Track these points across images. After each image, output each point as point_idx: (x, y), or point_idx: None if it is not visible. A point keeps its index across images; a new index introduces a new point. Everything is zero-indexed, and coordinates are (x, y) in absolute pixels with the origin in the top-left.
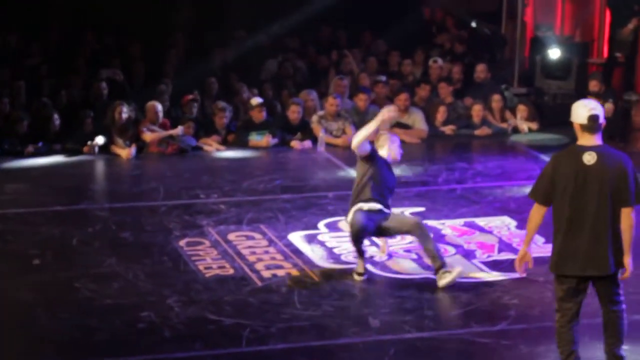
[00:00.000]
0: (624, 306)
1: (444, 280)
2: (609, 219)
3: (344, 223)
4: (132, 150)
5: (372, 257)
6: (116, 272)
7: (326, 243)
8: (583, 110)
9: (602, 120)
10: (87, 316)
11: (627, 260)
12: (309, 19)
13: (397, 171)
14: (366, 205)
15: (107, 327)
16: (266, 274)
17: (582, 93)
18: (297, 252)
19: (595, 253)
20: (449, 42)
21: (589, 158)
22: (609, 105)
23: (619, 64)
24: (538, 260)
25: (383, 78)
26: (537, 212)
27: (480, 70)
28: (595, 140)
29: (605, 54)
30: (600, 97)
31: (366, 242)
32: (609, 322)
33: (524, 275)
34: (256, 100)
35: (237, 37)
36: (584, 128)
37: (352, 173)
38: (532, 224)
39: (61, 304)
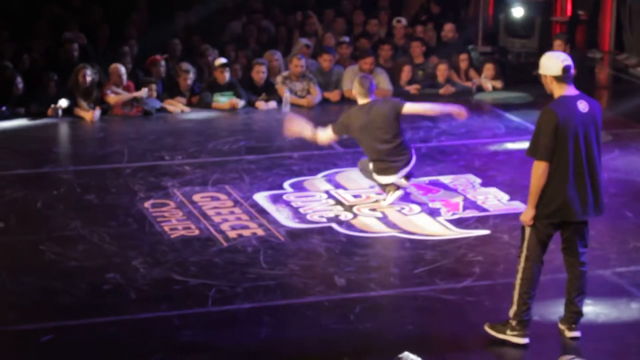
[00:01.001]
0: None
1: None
2: (599, 163)
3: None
4: (96, 112)
5: (337, 216)
6: (81, 235)
7: (291, 203)
8: (556, 62)
9: (573, 70)
10: (52, 279)
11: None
12: None
13: None
14: None
15: (72, 290)
16: (232, 234)
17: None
18: (263, 212)
19: (595, 197)
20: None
21: (582, 106)
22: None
23: (582, 22)
24: (503, 217)
25: (346, 39)
26: (544, 170)
27: (448, 30)
28: (574, 89)
29: (569, 12)
30: None
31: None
32: (577, 277)
33: None
34: (220, 61)
35: None
36: (560, 79)
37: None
38: (540, 182)
39: (26, 267)
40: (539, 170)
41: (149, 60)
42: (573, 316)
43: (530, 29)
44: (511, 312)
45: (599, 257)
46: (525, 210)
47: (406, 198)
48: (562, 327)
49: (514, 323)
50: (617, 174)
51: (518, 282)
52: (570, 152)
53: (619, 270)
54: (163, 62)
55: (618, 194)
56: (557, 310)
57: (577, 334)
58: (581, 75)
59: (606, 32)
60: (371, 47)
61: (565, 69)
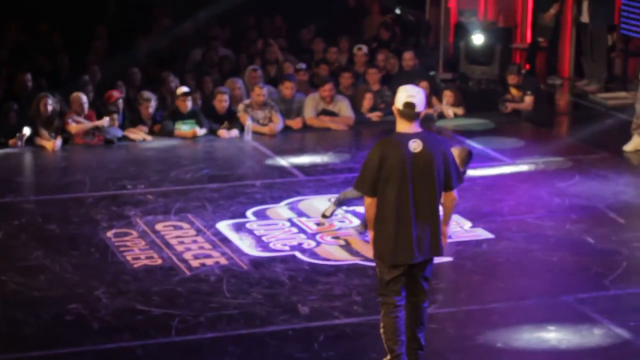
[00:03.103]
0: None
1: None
2: (435, 205)
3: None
4: (58, 142)
5: (300, 244)
6: (43, 265)
7: (254, 231)
8: (402, 95)
9: (419, 109)
10: (14, 309)
11: (445, 229)
12: (235, 7)
13: (325, 158)
14: None
15: (34, 321)
16: (194, 263)
17: (505, 77)
18: (226, 240)
19: (425, 240)
20: (374, 29)
21: (415, 145)
22: (529, 97)
23: (542, 48)
24: (465, 244)
25: (303, 65)
26: (371, 203)
27: (409, 58)
28: (415, 127)
29: (529, 39)
30: (520, 88)
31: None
32: (416, 313)
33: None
34: (182, 90)
35: (162, 25)
36: (401, 114)
37: (279, 161)
38: (370, 215)
39: None
40: (366, 202)
41: (106, 95)
42: (415, 352)
43: (490, 56)
44: None
45: (561, 283)
46: None
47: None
48: None
49: None
50: (578, 200)
51: (385, 328)
52: (392, 192)
53: (581, 297)
54: (120, 100)
55: (579, 220)
56: (519, 337)
57: None
58: (541, 102)
59: (566, 59)
60: (332, 75)
61: (407, 105)
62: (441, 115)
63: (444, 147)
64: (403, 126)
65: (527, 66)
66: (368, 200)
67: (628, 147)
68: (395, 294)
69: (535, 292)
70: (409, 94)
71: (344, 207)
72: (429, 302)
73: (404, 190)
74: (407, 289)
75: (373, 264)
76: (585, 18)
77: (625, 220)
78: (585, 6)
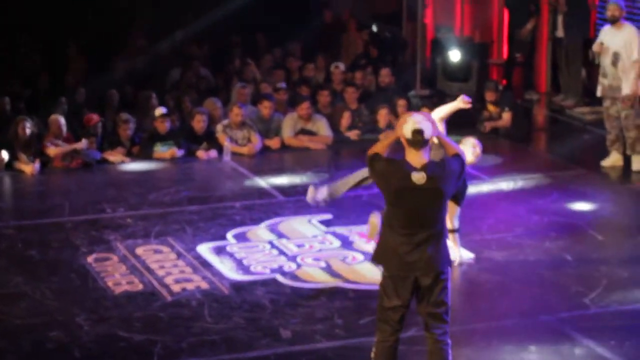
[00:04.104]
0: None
1: None
2: (438, 227)
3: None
4: (36, 165)
5: (281, 266)
6: (23, 292)
7: (235, 254)
8: (409, 124)
9: (428, 135)
10: None
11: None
12: (211, 26)
13: (304, 178)
14: None
15: (14, 349)
16: (176, 287)
17: (483, 94)
18: (206, 264)
19: (423, 257)
20: (351, 46)
21: (419, 177)
22: (507, 114)
23: (519, 64)
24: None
25: (282, 85)
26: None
27: (385, 75)
28: (422, 156)
29: (505, 54)
30: (498, 105)
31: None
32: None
33: None
34: (160, 111)
35: (138, 45)
36: (410, 143)
37: (259, 181)
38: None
39: None
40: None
41: (85, 118)
42: None
43: (467, 72)
44: None
45: (541, 303)
46: None
47: (349, 246)
48: None
49: None
50: (556, 217)
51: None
52: (400, 210)
53: (562, 316)
54: (100, 124)
55: (558, 238)
56: (501, 358)
57: None
58: (519, 117)
59: (542, 74)
60: (310, 93)
61: (415, 132)
62: None
63: (450, 169)
64: (411, 155)
65: (504, 81)
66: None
67: (606, 162)
68: (393, 323)
69: (516, 311)
70: (416, 120)
71: (324, 228)
72: (448, 337)
73: (406, 215)
74: (422, 318)
75: (354, 286)
76: (560, 33)
77: (605, 238)
78: (560, 21)
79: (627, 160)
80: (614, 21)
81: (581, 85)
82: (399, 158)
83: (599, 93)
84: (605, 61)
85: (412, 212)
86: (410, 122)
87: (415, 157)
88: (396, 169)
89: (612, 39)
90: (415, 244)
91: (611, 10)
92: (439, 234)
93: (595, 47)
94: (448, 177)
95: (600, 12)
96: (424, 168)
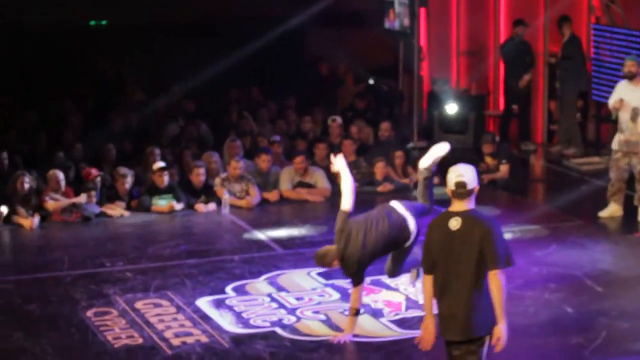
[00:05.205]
0: None
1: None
2: (471, 283)
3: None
4: (35, 219)
5: (280, 320)
6: (23, 347)
7: (234, 307)
8: (451, 176)
9: (471, 186)
10: None
11: (500, 326)
12: (209, 80)
13: (302, 231)
14: None
15: None
16: (175, 341)
17: (480, 146)
18: (206, 317)
19: (454, 316)
20: (349, 99)
21: (455, 224)
22: (504, 166)
23: (515, 115)
24: None
25: (277, 138)
26: (427, 281)
27: (385, 129)
28: (465, 205)
29: (502, 106)
30: (495, 157)
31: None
32: None
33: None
34: (158, 165)
35: (136, 100)
36: (454, 194)
37: (257, 234)
38: (426, 295)
39: None
40: (424, 281)
41: (84, 172)
42: None
43: (464, 124)
44: None
45: (541, 355)
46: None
47: (348, 299)
48: None
49: None
50: (555, 268)
51: None
52: (438, 270)
53: None
54: (99, 178)
55: (558, 290)
56: None
57: None
58: (516, 169)
59: (539, 125)
60: (307, 146)
61: (458, 185)
62: (417, 185)
63: (488, 225)
64: (454, 205)
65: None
66: (425, 278)
67: (604, 213)
68: None
69: None
70: (458, 173)
71: (323, 281)
72: None
73: (443, 268)
74: None
75: (354, 339)
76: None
77: (603, 289)
78: (557, 72)
79: (628, 211)
80: (631, 77)
81: (579, 135)
82: None
83: (614, 146)
84: (624, 117)
85: (445, 271)
86: (453, 175)
87: (457, 207)
88: (437, 222)
89: (630, 94)
90: (443, 307)
91: (628, 66)
92: (470, 297)
93: (615, 104)
94: (479, 230)
95: (595, 65)
96: (460, 214)
